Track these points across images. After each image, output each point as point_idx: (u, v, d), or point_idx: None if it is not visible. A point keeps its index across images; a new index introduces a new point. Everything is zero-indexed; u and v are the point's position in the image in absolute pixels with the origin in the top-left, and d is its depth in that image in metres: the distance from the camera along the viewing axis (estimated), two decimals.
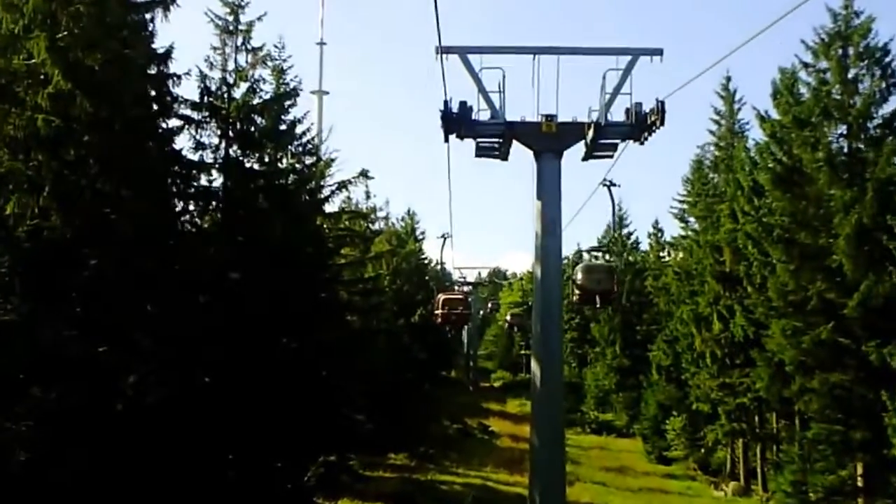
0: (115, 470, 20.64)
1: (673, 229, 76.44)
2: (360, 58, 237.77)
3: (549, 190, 23.36)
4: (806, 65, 33.93)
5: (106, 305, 20.56)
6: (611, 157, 24.16)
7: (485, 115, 22.98)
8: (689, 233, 55.90)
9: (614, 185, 25.16)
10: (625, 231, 74.09)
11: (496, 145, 24.17)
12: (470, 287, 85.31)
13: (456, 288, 65.19)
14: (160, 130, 28.61)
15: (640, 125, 22.34)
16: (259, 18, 31.33)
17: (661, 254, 71.62)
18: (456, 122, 22.74)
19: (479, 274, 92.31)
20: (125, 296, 20.88)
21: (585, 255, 31.29)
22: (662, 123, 21.52)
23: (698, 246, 50.00)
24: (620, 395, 70.12)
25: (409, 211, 78.14)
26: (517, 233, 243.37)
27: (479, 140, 23.94)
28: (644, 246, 74.85)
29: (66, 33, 20.75)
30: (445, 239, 47.01)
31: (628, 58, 22.56)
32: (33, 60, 20.47)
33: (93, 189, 21.05)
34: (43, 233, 19.88)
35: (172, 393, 22.72)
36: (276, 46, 33.43)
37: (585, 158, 24.01)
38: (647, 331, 64.83)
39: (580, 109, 24.26)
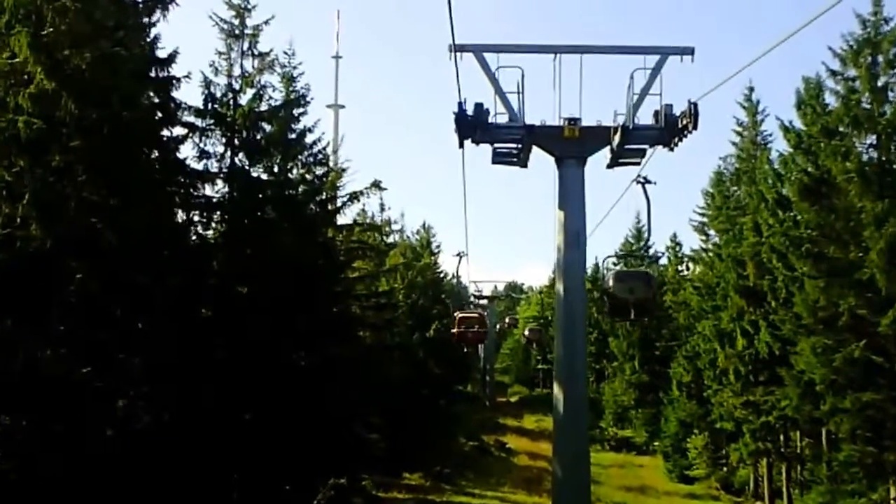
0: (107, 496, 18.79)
1: (691, 243, 74.46)
2: (374, 70, 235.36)
3: (571, 199, 21.43)
4: (833, 73, 32.11)
5: (91, 323, 18.65)
6: (638, 163, 22.03)
7: (502, 119, 21.04)
8: (710, 246, 54.23)
9: (649, 182, 22.03)
10: (644, 244, 72.02)
11: (514, 151, 22.03)
12: (486, 300, 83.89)
13: (472, 305, 64.51)
14: (164, 139, 27.21)
15: (671, 129, 20.32)
16: (266, 22, 30.04)
17: (680, 268, 70.26)
18: (471, 125, 20.68)
19: (496, 287, 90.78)
20: (113, 312, 18.95)
21: (611, 263, 27.71)
22: (695, 127, 19.49)
23: (720, 259, 48.24)
24: (639, 411, 68.17)
25: (424, 224, 76.24)
26: (535, 244, 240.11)
27: (496, 145, 21.87)
28: (663, 260, 72.81)
29: (51, 30, 18.96)
30: (461, 257, 46.25)
31: (657, 57, 20.65)
32: (17, 59, 18.70)
33: (79, 197, 19.16)
34: (16, 243, 17.93)
35: (170, 414, 20.78)
36: (285, 53, 32.08)
37: (611, 166, 21.94)
38: (667, 346, 62.94)
39: (604, 113, 22.20)
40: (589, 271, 71.61)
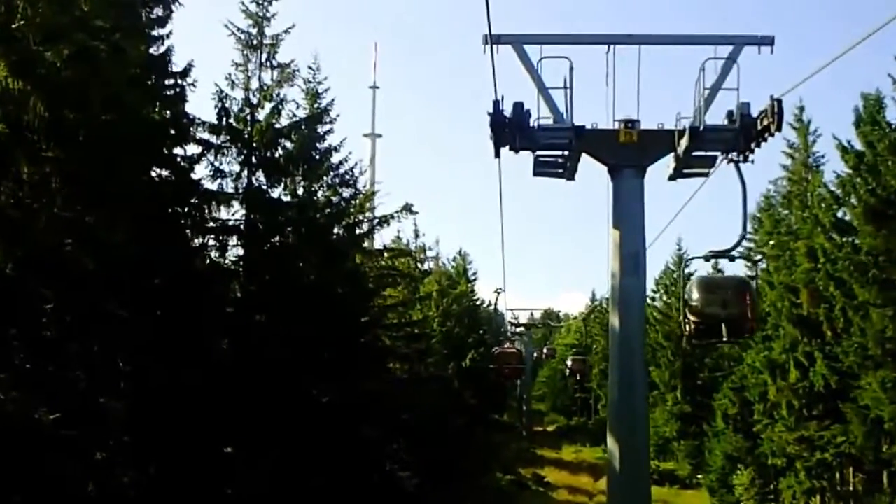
0: None
1: (735, 270, 70.61)
2: (411, 97, 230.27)
3: (628, 216, 17.59)
4: None
5: (61, 359, 15.25)
6: (706, 174, 18.17)
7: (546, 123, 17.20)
8: (758, 273, 50.43)
9: (746, 160, 17.06)
10: (687, 270, 68.08)
11: (560, 160, 18.21)
12: (523, 329, 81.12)
13: (509, 333, 64.07)
14: (178, 157, 24.27)
15: (747, 132, 16.35)
16: (286, 31, 27.10)
17: None
18: (509, 129, 16.85)
19: (532, 315, 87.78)
20: (89, 348, 15.55)
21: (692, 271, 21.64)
22: (779, 128, 15.56)
23: (770, 287, 44.32)
24: (682, 443, 64.24)
25: (460, 251, 73.28)
26: (574, 269, 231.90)
27: (538, 153, 17.91)
28: None
29: (22, 22, 15.71)
30: (499, 293, 45.57)
31: (729, 48, 16.88)
32: None
33: (50, 214, 15.79)
34: None
35: (157, 468, 17.28)
36: (310, 68, 29.10)
37: (674, 177, 18.08)
38: (711, 376, 59.16)
39: (664, 116, 18.21)
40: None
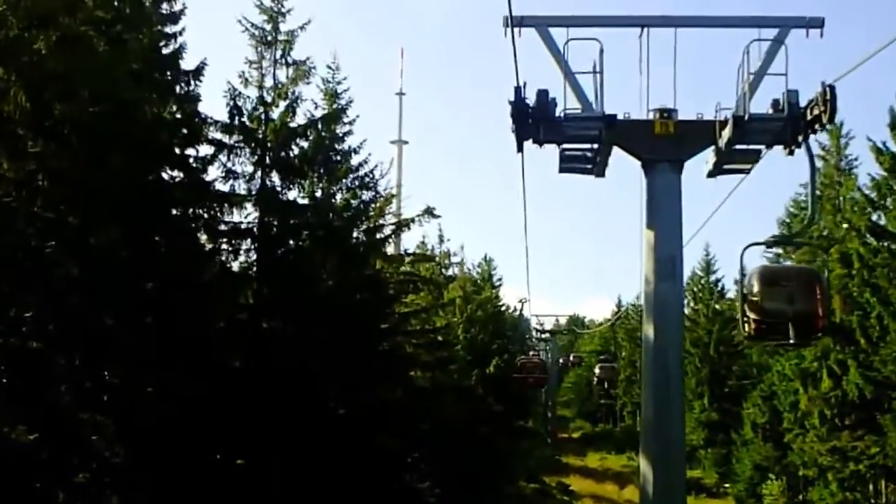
0: None
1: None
2: (437, 104, 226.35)
3: (664, 216, 15.53)
4: None
5: (42, 372, 13.62)
6: (747, 171, 16.11)
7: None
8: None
9: (792, 153, 14.90)
10: (712, 278, 66.27)
11: (589, 154, 16.12)
12: (547, 335, 79.59)
13: (534, 339, 63.04)
14: (191, 159, 22.87)
15: (795, 122, 14.29)
16: (302, 27, 25.32)
17: None
18: (533, 119, 14.88)
19: (557, 321, 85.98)
20: (70, 362, 13.90)
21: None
22: (831, 119, 13.50)
23: None
24: (709, 451, 62.70)
25: (485, 257, 71.18)
26: (600, 274, 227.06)
27: (564, 147, 15.86)
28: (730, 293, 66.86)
29: (3, 7, 14.15)
30: (524, 303, 44.90)
31: (774, 31, 14.88)
32: None
33: (29, 213, 14.16)
34: None
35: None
36: (329, 67, 27.37)
37: (713, 173, 16.03)
38: (738, 384, 57.93)
39: (702, 107, 15.97)
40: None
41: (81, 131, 14.38)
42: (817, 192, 35.82)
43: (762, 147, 15.41)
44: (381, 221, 29.21)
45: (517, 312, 76.44)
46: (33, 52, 14.09)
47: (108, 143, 14.91)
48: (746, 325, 15.27)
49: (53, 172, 14.38)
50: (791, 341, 15.02)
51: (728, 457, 56.97)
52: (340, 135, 27.18)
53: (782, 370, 43.83)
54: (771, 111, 14.53)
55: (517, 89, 14.61)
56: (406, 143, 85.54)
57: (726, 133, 14.70)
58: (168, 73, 22.16)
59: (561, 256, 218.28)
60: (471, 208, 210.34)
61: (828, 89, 13.32)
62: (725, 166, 15.95)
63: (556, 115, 14.95)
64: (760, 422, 48.92)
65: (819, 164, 43.10)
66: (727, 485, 57.23)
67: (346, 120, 27.19)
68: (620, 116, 15.12)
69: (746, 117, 14.41)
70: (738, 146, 15.18)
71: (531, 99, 14.89)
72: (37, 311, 14.00)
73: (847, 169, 42.45)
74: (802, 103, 14.31)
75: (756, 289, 15.05)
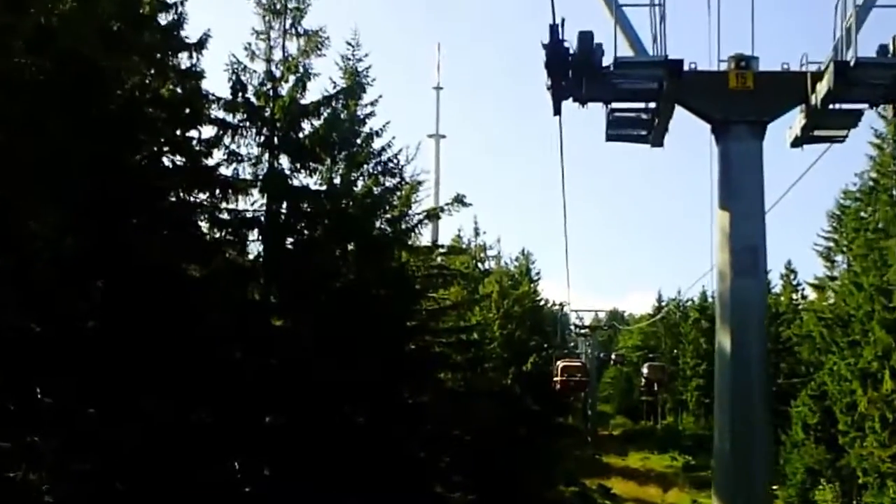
0: None
1: (810, 269, 65.48)
2: (474, 95, 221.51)
3: (743, 194, 11.92)
4: None
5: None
6: (842, 139, 12.42)
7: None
8: (840, 273, 45.62)
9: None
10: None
11: (644, 117, 12.54)
12: (587, 330, 76.55)
13: (574, 334, 59.72)
14: (193, 141, 20.31)
15: None
16: None
17: (794, 297, 62.18)
18: (574, 70, 11.40)
19: (597, 315, 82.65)
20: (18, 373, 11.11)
21: None
22: None
23: (858, 289, 39.08)
24: None
25: (523, 250, 67.92)
26: (644, 266, 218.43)
27: (613, 108, 12.33)
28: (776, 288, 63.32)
29: None
30: (563, 307, 41.93)
31: None
32: None
33: None
34: None
35: None
36: (349, 44, 24.58)
37: (799, 142, 12.47)
38: (787, 382, 54.38)
39: (787, 56, 12.31)
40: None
41: (13, 91, 11.49)
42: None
43: (865, 106, 11.98)
44: (406, 211, 26.34)
45: (556, 305, 73.92)
46: None
47: (52, 109, 11.99)
48: None
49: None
50: None
51: (776, 457, 53.55)
52: (361, 116, 24.42)
53: (837, 369, 40.55)
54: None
55: (553, 28, 11.04)
56: (444, 136, 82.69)
57: (823, 85, 11.22)
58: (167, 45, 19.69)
59: (602, 249, 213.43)
60: (509, 203, 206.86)
61: None
62: (816, 132, 12.44)
63: (603, 64, 11.58)
64: (811, 422, 45.82)
65: (874, 152, 39.75)
66: (775, 487, 53.92)
67: (367, 100, 24.46)
68: (686, 67, 11.57)
69: (853, 63, 10.89)
70: (834, 107, 11.79)
71: (571, 43, 11.41)
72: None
73: None
74: None
75: None
